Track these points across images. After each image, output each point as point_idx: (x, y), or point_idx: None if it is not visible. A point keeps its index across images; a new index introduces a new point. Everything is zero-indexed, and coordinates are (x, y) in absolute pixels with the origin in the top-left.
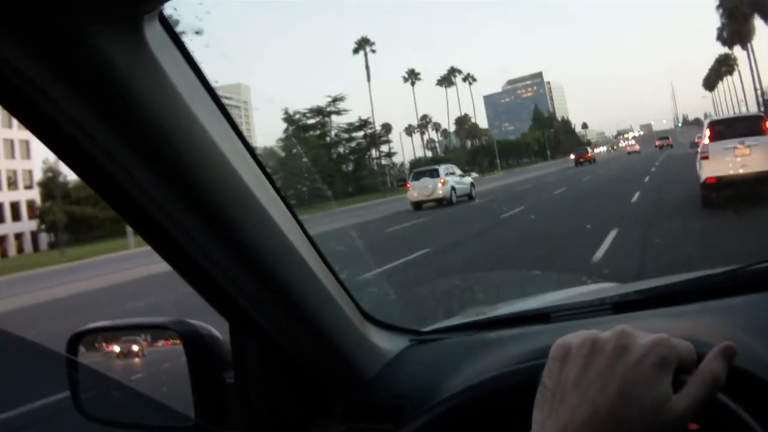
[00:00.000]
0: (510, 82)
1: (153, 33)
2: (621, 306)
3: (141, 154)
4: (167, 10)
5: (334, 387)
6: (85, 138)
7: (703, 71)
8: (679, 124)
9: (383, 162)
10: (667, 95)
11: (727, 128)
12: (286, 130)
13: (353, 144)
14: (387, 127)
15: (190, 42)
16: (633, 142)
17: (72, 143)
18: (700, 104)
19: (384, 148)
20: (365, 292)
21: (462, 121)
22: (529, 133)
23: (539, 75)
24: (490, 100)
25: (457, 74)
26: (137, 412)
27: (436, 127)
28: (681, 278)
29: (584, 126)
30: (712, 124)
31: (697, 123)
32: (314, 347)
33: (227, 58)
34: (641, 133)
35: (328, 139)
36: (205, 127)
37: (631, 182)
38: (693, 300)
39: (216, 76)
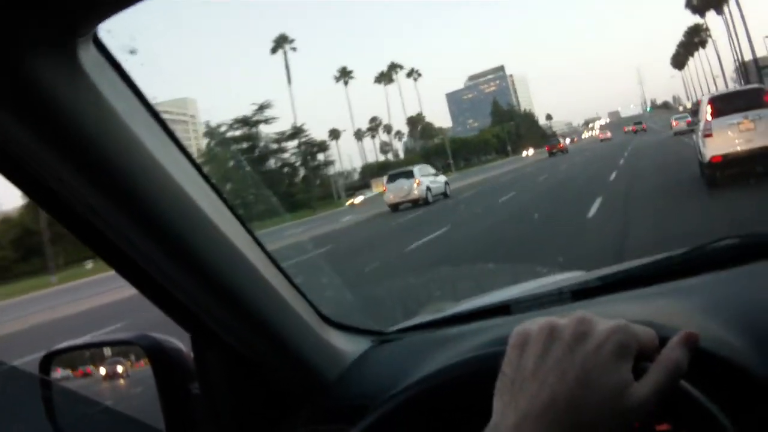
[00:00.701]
0: (472, 78)
1: (88, 56)
2: (581, 293)
3: (84, 175)
4: (100, 32)
5: (298, 392)
6: (30, 161)
7: (670, 50)
8: (648, 109)
9: (327, 172)
10: (634, 81)
11: (728, 104)
12: (208, 145)
13: (286, 155)
14: (335, 133)
15: (126, 62)
16: (605, 130)
17: (17, 165)
18: (668, 86)
19: (323, 156)
20: (325, 296)
21: (415, 121)
22: (488, 128)
23: (501, 68)
24: (453, 98)
25: (398, 70)
26: (111, 428)
27: (387, 129)
28: (641, 262)
29: (548, 117)
30: (713, 100)
31: (666, 107)
32: (274, 354)
33: (166, 74)
34: (608, 120)
35: (257, 152)
36: (146, 145)
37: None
38: (653, 283)
39: (158, 93)
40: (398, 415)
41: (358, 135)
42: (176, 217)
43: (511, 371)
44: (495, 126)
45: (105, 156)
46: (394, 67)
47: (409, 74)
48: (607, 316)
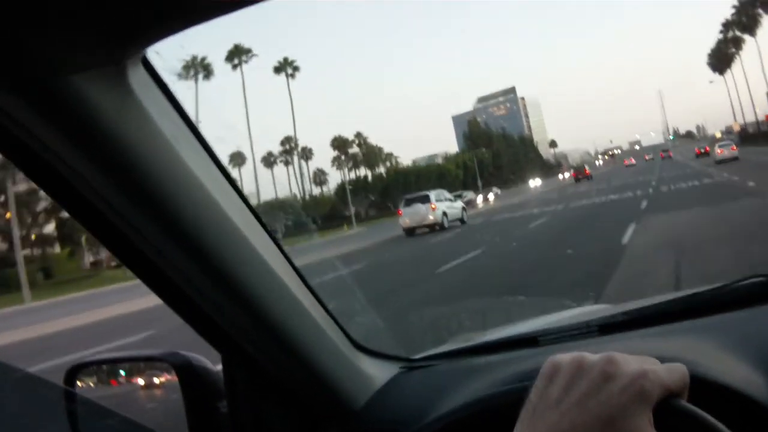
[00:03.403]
0: (481, 100)
1: (136, 77)
2: (607, 328)
3: (129, 195)
4: (150, 54)
5: (325, 415)
6: (77, 180)
7: (695, 75)
8: (671, 137)
9: None
10: (654, 108)
11: None
12: None
13: None
14: (237, 159)
15: (174, 84)
16: (629, 156)
17: (65, 185)
18: (688, 118)
19: None
20: (355, 321)
21: (340, 146)
22: (455, 155)
23: (512, 90)
24: (459, 121)
25: (289, 67)
26: None
27: (306, 154)
28: (666, 298)
29: (552, 144)
30: None
31: (690, 136)
32: (304, 377)
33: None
34: (627, 149)
35: None
36: (189, 166)
37: None
38: (679, 319)
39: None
40: None
41: (269, 161)
42: (215, 236)
43: (536, 399)
44: (465, 153)
45: (148, 174)
46: (286, 63)
47: (278, 69)
48: (634, 351)
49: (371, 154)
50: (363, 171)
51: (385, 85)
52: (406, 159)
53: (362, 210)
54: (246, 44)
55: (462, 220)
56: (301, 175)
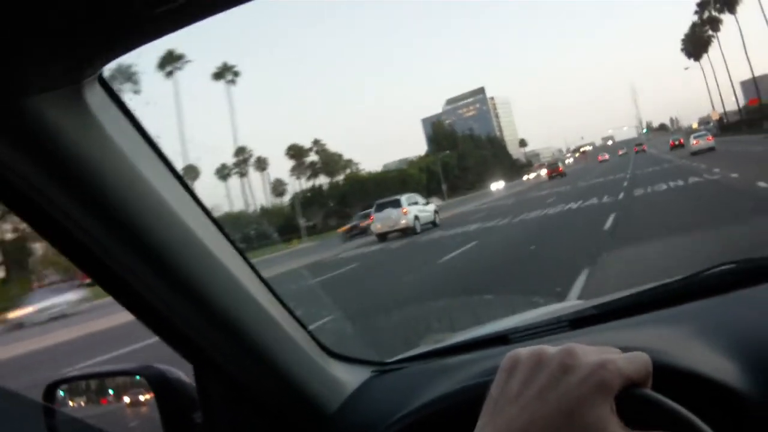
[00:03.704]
0: (450, 101)
1: (94, 96)
2: (578, 322)
3: (94, 213)
4: (106, 73)
5: (299, 422)
6: (39, 197)
7: (666, 68)
8: (644, 131)
9: None
10: (626, 103)
11: None
12: None
13: None
14: (191, 171)
15: (130, 101)
16: (603, 152)
17: (27, 202)
18: (662, 110)
19: None
20: (325, 328)
21: (296, 154)
22: (419, 159)
23: (481, 90)
24: (428, 123)
25: (229, 72)
26: None
27: (261, 164)
28: (638, 290)
29: (522, 144)
30: None
31: (663, 128)
32: (276, 385)
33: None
34: (599, 144)
35: None
36: (151, 182)
37: None
38: (650, 310)
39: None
40: None
41: (223, 173)
42: (179, 250)
43: (496, 393)
44: (429, 156)
45: (110, 191)
46: (227, 68)
47: (218, 75)
48: (604, 344)
49: (330, 162)
50: (324, 179)
51: (354, 90)
52: (377, 164)
53: (318, 221)
54: (196, 51)
55: (434, 223)
56: (259, 185)
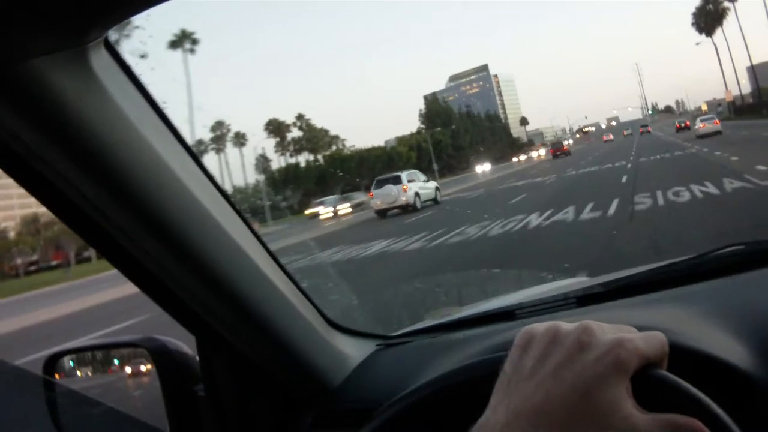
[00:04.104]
0: (453, 78)
1: (99, 60)
2: (586, 299)
3: (96, 180)
4: (112, 36)
5: (303, 395)
6: (42, 165)
7: (670, 51)
8: (649, 112)
9: None
10: (631, 84)
11: None
12: None
13: None
14: None
15: (136, 65)
16: (608, 133)
17: (23, 164)
18: (668, 92)
19: None
20: (331, 300)
21: (276, 130)
22: (410, 136)
23: (485, 68)
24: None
25: (187, 40)
26: (115, 429)
27: (240, 139)
28: (646, 269)
29: (523, 122)
30: None
31: (669, 111)
32: (279, 357)
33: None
34: (605, 125)
35: None
36: (155, 148)
37: None
38: (657, 289)
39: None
40: (402, 420)
41: (198, 149)
42: (183, 219)
43: (510, 370)
44: (420, 133)
45: (114, 157)
46: (185, 35)
47: (175, 43)
48: (613, 322)
49: (312, 138)
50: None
51: (356, 65)
52: (379, 140)
53: (295, 202)
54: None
55: (435, 200)
56: (240, 162)
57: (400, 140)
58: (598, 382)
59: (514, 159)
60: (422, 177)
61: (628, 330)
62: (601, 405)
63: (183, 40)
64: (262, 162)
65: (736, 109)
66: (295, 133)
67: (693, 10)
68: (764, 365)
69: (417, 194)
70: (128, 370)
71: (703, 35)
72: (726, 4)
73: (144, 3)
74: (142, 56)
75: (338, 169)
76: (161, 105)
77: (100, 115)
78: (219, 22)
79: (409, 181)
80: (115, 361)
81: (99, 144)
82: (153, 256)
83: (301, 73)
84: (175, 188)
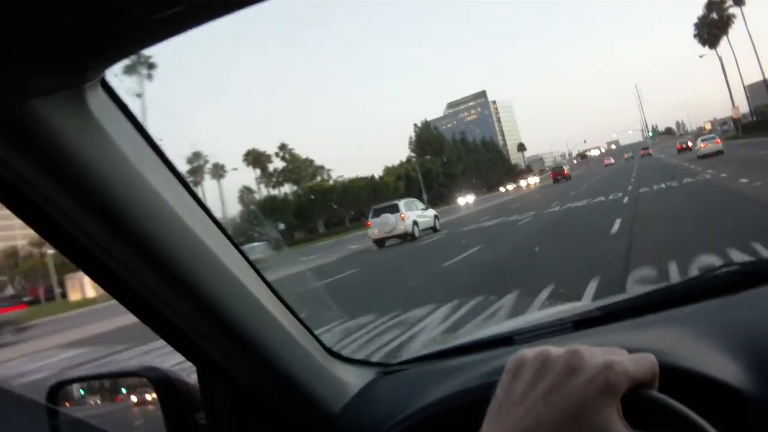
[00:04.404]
0: (451, 105)
1: (96, 99)
2: (582, 323)
3: (97, 217)
4: (108, 76)
5: (303, 423)
6: (42, 201)
7: (670, 72)
8: (650, 134)
9: None
10: (631, 108)
11: None
12: None
13: None
14: None
15: (134, 105)
16: (608, 156)
17: (27, 203)
18: (668, 114)
19: None
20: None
21: (256, 160)
22: (398, 165)
23: (483, 94)
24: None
25: (143, 66)
26: None
27: (218, 171)
28: (642, 291)
29: (521, 148)
30: None
31: (669, 133)
32: (279, 386)
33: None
34: (604, 149)
35: None
36: (154, 186)
37: None
38: (654, 311)
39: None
40: None
41: None
42: (183, 253)
43: (501, 395)
44: (410, 162)
45: (113, 194)
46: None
47: (130, 68)
48: (609, 345)
49: (297, 169)
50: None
51: (351, 95)
52: (370, 171)
53: (271, 238)
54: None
55: (434, 229)
56: (219, 195)
57: (388, 170)
58: (588, 405)
59: (501, 189)
60: (420, 205)
61: (618, 353)
62: (592, 427)
63: (137, 66)
64: (246, 194)
65: (743, 126)
66: (277, 163)
67: (695, 20)
68: (758, 382)
69: (415, 222)
70: (133, 398)
71: (707, 47)
72: (731, 10)
73: (138, 45)
74: (138, 95)
75: (320, 200)
76: (158, 141)
77: (98, 154)
78: (196, 49)
79: (407, 210)
80: (123, 390)
81: (98, 182)
82: (154, 288)
83: (287, 101)
84: (174, 224)
